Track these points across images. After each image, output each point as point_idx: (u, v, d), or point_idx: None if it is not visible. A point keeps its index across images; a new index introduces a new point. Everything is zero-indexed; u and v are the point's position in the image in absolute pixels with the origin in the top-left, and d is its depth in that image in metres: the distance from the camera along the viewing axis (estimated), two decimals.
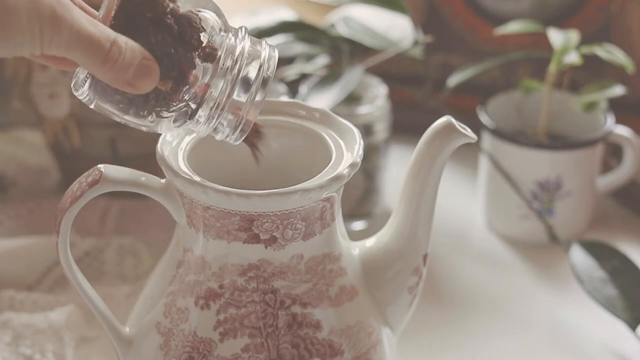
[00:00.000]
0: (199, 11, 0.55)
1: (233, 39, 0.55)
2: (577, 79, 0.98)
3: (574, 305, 0.84)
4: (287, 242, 0.58)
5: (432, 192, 0.62)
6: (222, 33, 0.55)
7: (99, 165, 0.58)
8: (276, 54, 0.56)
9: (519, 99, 0.93)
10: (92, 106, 0.55)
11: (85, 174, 0.58)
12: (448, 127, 0.61)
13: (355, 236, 0.67)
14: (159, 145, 0.59)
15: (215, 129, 0.56)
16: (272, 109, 0.64)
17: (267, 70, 0.56)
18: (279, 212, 0.57)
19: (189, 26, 0.54)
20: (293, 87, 0.92)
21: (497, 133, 0.89)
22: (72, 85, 0.55)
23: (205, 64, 0.55)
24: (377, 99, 0.90)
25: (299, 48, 0.94)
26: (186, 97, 0.55)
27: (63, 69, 0.56)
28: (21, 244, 0.82)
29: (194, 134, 0.61)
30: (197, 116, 0.55)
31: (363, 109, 0.89)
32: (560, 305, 0.84)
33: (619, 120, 0.92)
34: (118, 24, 0.53)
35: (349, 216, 0.90)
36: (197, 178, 0.57)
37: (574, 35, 0.89)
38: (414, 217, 0.63)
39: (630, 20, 0.98)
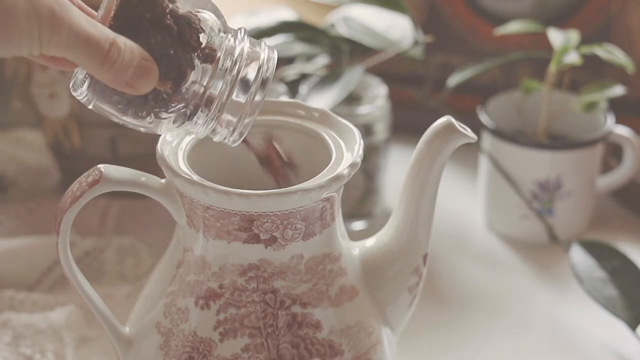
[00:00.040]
0: (198, 12, 0.55)
1: (232, 40, 0.55)
2: (577, 79, 0.98)
3: (574, 305, 0.84)
4: (287, 242, 0.58)
5: (432, 192, 0.62)
6: (221, 34, 0.55)
7: (99, 165, 0.58)
8: (275, 55, 0.56)
9: (519, 99, 0.93)
10: (90, 106, 0.55)
11: (85, 174, 0.58)
12: (448, 127, 0.61)
13: (355, 236, 0.67)
14: (159, 145, 0.59)
15: (213, 130, 0.56)
16: (272, 109, 0.65)
17: (266, 71, 0.56)
18: (279, 212, 0.57)
19: (189, 27, 0.54)
20: (293, 87, 0.92)
21: (497, 133, 0.89)
22: (70, 86, 0.55)
23: (205, 65, 0.54)
24: (377, 99, 0.90)
25: (299, 48, 0.94)
26: (185, 98, 0.55)
27: (62, 69, 0.56)
28: (21, 244, 0.82)
29: (194, 134, 0.61)
30: (195, 117, 0.55)
31: (363, 109, 0.89)
32: (560, 305, 0.84)
33: (619, 120, 0.92)
34: (117, 24, 0.53)
35: (349, 216, 0.90)
36: (197, 178, 0.57)
37: (574, 35, 0.89)
38: (414, 217, 0.63)
39: (630, 20, 0.98)
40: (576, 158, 0.88)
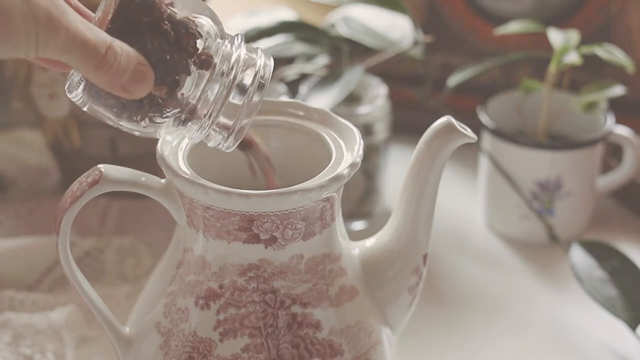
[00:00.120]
0: (195, 17, 0.55)
1: (229, 46, 0.55)
2: (577, 79, 0.98)
3: (574, 305, 0.84)
4: (287, 242, 0.58)
5: (432, 192, 0.62)
6: (218, 40, 0.55)
7: (99, 165, 0.58)
8: (271, 62, 0.56)
9: (519, 99, 0.93)
10: (85, 109, 0.55)
11: (85, 174, 0.58)
12: (448, 127, 0.61)
13: (355, 236, 0.67)
14: (159, 145, 0.59)
15: (208, 136, 0.56)
16: (272, 109, 0.65)
17: (262, 77, 0.56)
18: (279, 212, 0.57)
19: (186, 32, 0.54)
20: (293, 87, 0.92)
21: (497, 133, 0.89)
22: (66, 87, 0.55)
23: (201, 70, 0.54)
24: (377, 99, 0.90)
25: (299, 48, 0.94)
26: (180, 104, 0.55)
27: (59, 70, 0.56)
28: (21, 244, 0.82)
29: (188, 139, 0.61)
30: (190, 123, 0.55)
31: (363, 109, 0.89)
32: (560, 305, 0.84)
33: (619, 120, 0.92)
34: (115, 28, 0.53)
35: (349, 216, 0.90)
36: (197, 178, 0.57)
37: (574, 35, 0.89)
38: (414, 217, 0.63)
39: (630, 20, 0.98)
40: (576, 158, 0.88)
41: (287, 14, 1.05)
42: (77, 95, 0.54)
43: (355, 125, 0.63)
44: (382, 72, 0.98)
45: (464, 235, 0.93)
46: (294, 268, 0.59)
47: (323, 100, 0.85)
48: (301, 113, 0.65)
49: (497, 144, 0.89)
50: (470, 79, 0.92)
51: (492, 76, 1.02)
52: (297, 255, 0.59)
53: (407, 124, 0.98)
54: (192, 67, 0.54)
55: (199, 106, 0.55)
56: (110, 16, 0.53)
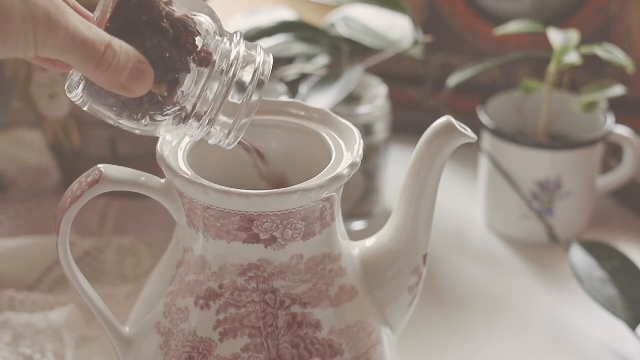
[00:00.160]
0: (194, 15, 0.55)
1: (228, 43, 0.55)
2: (577, 79, 0.98)
3: (574, 305, 0.84)
4: (287, 242, 0.58)
5: (432, 192, 0.62)
6: (217, 37, 0.55)
7: (99, 165, 0.58)
8: (271, 59, 0.56)
9: (519, 99, 0.93)
10: (85, 108, 0.55)
11: (85, 174, 0.58)
12: (448, 127, 0.61)
13: (355, 236, 0.67)
14: (159, 145, 0.59)
15: (209, 134, 0.56)
16: (272, 109, 0.65)
17: (262, 74, 0.56)
18: (279, 212, 0.57)
19: (185, 30, 0.54)
20: (293, 87, 0.92)
21: (497, 133, 0.89)
22: (66, 87, 0.55)
23: (200, 68, 0.54)
24: (377, 99, 0.90)
25: (299, 48, 0.94)
26: (180, 101, 0.55)
27: (58, 71, 0.56)
28: (21, 244, 0.82)
29: (189, 137, 0.61)
30: (191, 120, 0.55)
31: (363, 109, 0.89)
32: (560, 305, 0.84)
33: (619, 120, 0.92)
34: (113, 27, 0.53)
35: (349, 216, 0.90)
36: (197, 178, 0.57)
37: (574, 35, 0.89)
38: (414, 217, 0.63)
39: (630, 20, 0.98)
40: (576, 158, 0.88)
41: (287, 14, 1.05)
42: (77, 95, 0.54)
43: (355, 125, 0.63)
44: (382, 72, 0.98)
45: (464, 235, 0.93)
46: (294, 268, 0.59)
47: (323, 100, 0.85)
48: (301, 113, 0.65)
49: (497, 144, 0.89)
50: (470, 79, 0.92)
51: (492, 76, 1.02)
52: (297, 255, 0.59)
53: (407, 124, 0.98)
54: (192, 64, 0.54)
55: (199, 104, 0.55)
56: (109, 15, 0.53)
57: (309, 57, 0.96)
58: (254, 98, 0.55)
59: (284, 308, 0.59)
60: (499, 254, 0.90)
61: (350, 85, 0.87)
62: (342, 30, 0.97)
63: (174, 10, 0.54)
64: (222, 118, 0.56)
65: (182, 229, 0.61)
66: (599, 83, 0.91)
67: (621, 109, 0.96)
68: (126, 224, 0.88)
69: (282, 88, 0.89)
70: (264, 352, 0.59)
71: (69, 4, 0.53)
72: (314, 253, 0.59)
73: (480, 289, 0.86)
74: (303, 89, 0.89)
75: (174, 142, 0.61)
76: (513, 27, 0.92)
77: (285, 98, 0.85)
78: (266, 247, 0.58)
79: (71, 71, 0.55)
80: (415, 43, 0.94)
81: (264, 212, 0.56)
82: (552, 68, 0.89)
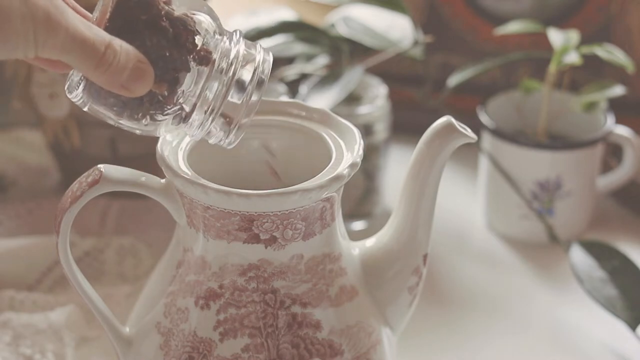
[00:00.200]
0: (193, 14, 0.55)
1: (228, 42, 0.55)
2: (577, 79, 0.98)
3: (574, 305, 0.84)
4: (287, 242, 0.58)
5: (432, 192, 0.62)
6: (216, 36, 0.55)
7: (99, 165, 0.58)
8: (271, 58, 0.56)
9: (519, 99, 0.93)
10: (85, 109, 0.55)
11: (85, 174, 0.58)
12: (448, 127, 0.61)
13: (355, 236, 0.67)
14: (159, 145, 0.59)
15: (209, 133, 0.56)
16: (272, 109, 0.64)
17: (262, 73, 0.56)
18: (279, 212, 0.57)
19: (184, 29, 0.54)
20: (293, 87, 0.92)
21: (497, 133, 0.89)
22: (66, 88, 0.55)
23: (200, 67, 0.54)
24: (377, 99, 0.90)
25: (299, 48, 0.94)
26: (180, 101, 0.55)
27: (58, 71, 0.56)
28: (21, 244, 0.82)
29: (189, 137, 0.61)
30: (191, 119, 0.55)
31: (363, 109, 0.89)
32: (560, 305, 0.84)
33: (619, 120, 0.92)
34: (113, 26, 0.53)
35: (349, 216, 0.90)
36: (197, 178, 0.57)
37: (574, 35, 0.89)
38: (414, 217, 0.63)
39: (630, 20, 0.98)
40: (576, 158, 0.88)
41: (287, 14, 1.05)
42: (77, 95, 0.54)
43: (355, 125, 0.63)
44: (382, 72, 0.98)
45: (464, 235, 0.93)
46: (294, 268, 0.59)
47: (323, 100, 0.85)
48: (301, 113, 0.65)
49: (497, 144, 0.89)
50: (470, 79, 0.92)
51: (492, 76, 1.02)
52: (297, 255, 0.59)
53: (407, 124, 0.98)
54: (192, 63, 0.54)
55: (199, 103, 0.55)
56: (108, 15, 0.53)
57: (309, 57, 0.96)
58: (254, 97, 0.55)
59: (284, 308, 0.59)
60: (499, 254, 0.90)
61: (350, 85, 0.87)
62: (342, 30, 0.97)
63: (173, 10, 0.54)
64: (222, 117, 0.55)
65: (182, 229, 0.61)
66: (599, 83, 0.91)
67: (621, 109, 0.96)
68: (126, 224, 0.88)
69: (282, 88, 0.89)
70: (264, 352, 0.59)
71: (67, 4, 0.53)
72: (314, 253, 0.59)
73: (480, 289, 0.86)
74: (303, 89, 0.89)
75: (174, 142, 0.61)
76: (513, 27, 0.92)
77: (285, 98, 0.85)
78: (266, 247, 0.58)
79: (71, 72, 0.55)
80: (415, 43, 0.94)
81: (264, 212, 0.56)
82: (552, 68, 0.89)
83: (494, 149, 0.90)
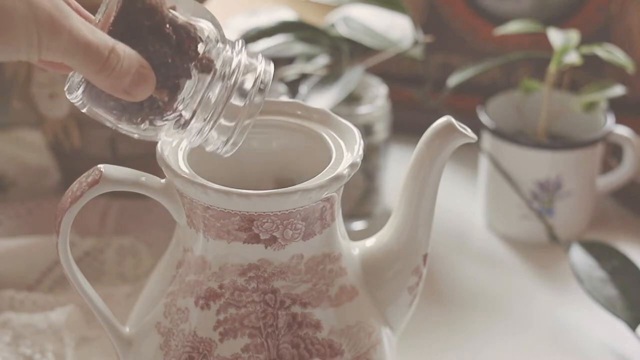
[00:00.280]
0: (196, 21, 0.55)
1: (230, 50, 0.55)
2: (577, 79, 0.98)
3: (574, 305, 0.84)
4: (287, 242, 0.58)
5: (432, 192, 0.62)
6: (219, 45, 0.55)
7: (99, 165, 0.58)
8: (272, 69, 0.56)
9: (519, 99, 0.93)
10: (84, 110, 0.55)
11: (85, 174, 0.58)
12: (448, 127, 0.61)
13: (355, 236, 0.67)
14: (159, 145, 0.59)
15: (206, 140, 0.56)
16: (272, 109, 0.65)
17: (262, 83, 0.56)
18: (279, 212, 0.57)
19: (187, 36, 0.54)
20: (293, 87, 0.92)
21: (497, 133, 0.89)
22: (65, 89, 0.55)
23: (202, 74, 0.54)
24: (377, 99, 0.90)
25: (299, 48, 0.94)
26: (180, 107, 0.55)
27: (59, 72, 0.56)
28: (21, 244, 0.82)
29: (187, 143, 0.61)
30: (189, 126, 0.55)
31: (363, 109, 0.89)
32: (560, 305, 0.84)
33: (619, 120, 0.92)
34: (116, 31, 0.53)
35: (349, 216, 0.90)
36: (197, 178, 0.57)
37: (574, 35, 0.89)
38: (414, 217, 0.63)
39: (630, 20, 0.98)
40: (576, 158, 0.88)
41: (287, 14, 1.05)
42: (76, 96, 0.54)
43: (355, 125, 0.63)
44: (382, 72, 0.98)
45: (464, 235, 0.93)
46: (294, 268, 0.59)
47: (323, 100, 0.85)
48: (301, 113, 0.65)
49: (497, 144, 0.89)
50: (470, 79, 0.92)
51: (492, 76, 1.02)
52: (297, 255, 0.59)
53: (407, 124, 0.98)
54: (193, 70, 0.54)
55: (199, 110, 0.55)
56: (112, 19, 0.53)
57: (309, 57, 0.96)
58: (254, 105, 0.55)
59: (284, 308, 0.59)
60: (499, 254, 0.90)
61: (350, 85, 0.87)
62: (342, 30, 0.97)
63: (176, 16, 0.54)
64: (221, 125, 0.56)
65: (182, 229, 0.61)
66: (599, 83, 0.91)
67: (621, 109, 0.96)
68: (126, 224, 0.88)
69: (282, 88, 0.89)
70: (264, 352, 0.59)
71: (71, 6, 0.53)
72: (314, 253, 0.59)
73: (480, 289, 0.86)
74: (303, 89, 0.89)
75: (174, 142, 0.61)
76: (513, 27, 0.92)
77: (285, 98, 0.85)
78: (266, 247, 0.58)
79: (71, 73, 0.55)
80: (415, 43, 0.94)
81: (264, 212, 0.56)
82: (552, 68, 0.89)
83: (494, 149, 0.90)
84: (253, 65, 0.56)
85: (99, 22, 0.54)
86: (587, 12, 0.99)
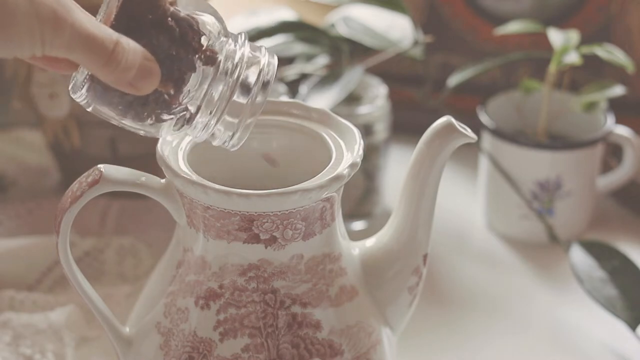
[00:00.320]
0: (199, 15, 0.55)
1: (233, 44, 0.55)
2: (577, 79, 0.98)
3: (574, 305, 0.84)
4: (287, 242, 0.58)
5: (432, 192, 0.62)
6: (222, 38, 0.55)
7: (99, 165, 0.58)
8: (275, 61, 0.56)
9: (519, 99, 0.93)
10: (89, 109, 0.55)
11: (85, 174, 0.58)
12: (448, 127, 0.61)
13: (355, 236, 0.67)
14: (159, 145, 0.59)
15: (212, 135, 0.56)
16: (272, 109, 0.64)
17: (267, 75, 0.56)
18: (279, 212, 0.57)
19: (190, 29, 0.54)
20: (293, 87, 0.92)
21: (497, 133, 0.89)
22: (69, 88, 0.55)
23: (206, 67, 0.54)
24: (377, 99, 0.90)
25: (299, 48, 0.94)
26: (185, 101, 0.55)
27: (61, 72, 0.56)
28: (21, 244, 0.82)
29: (193, 138, 0.61)
30: (195, 121, 0.55)
31: (363, 109, 0.89)
32: (560, 305, 0.84)
33: (619, 120, 0.92)
34: (119, 25, 0.53)
35: (349, 216, 0.90)
36: (197, 178, 0.57)
37: (574, 35, 0.89)
38: (414, 217, 0.63)
39: (630, 20, 0.98)
40: (576, 158, 0.88)
41: (287, 14, 1.05)
42: (81, 95, 0.54)
43: (355, 125, 0.63)
44: (382, 72, 0.98)
45: (464, 235, 0.93)
46: (294, 268, 0.59)
47: (323, 100, 0.85)
48: (301, 113, 0.65)
49: (497, 144, 0.89)
50: (470, 79, 0.92)
51: (492, 76, 1.02)
52: (297, 255, 0.59)
53: (407, 124, 0.98)
54: (198, 63, 0.54)
55: (203, 104, 0.55)
56: (114, 14, 0.53)
57: (309, 57, 0.96)
58: (259, 99, 0.55)
59: (284, 308, 0.59)
60: (499, 254, 0.90)
61: (350, 85, 0.87)
62: (342, 30, 0.97)
63: (178, 10, 0.54)
64: (226, 119, 0.55)
65: (182, 229, 0.61)
66: (599, 83, 0.91)
67: (621, 109, 0.96)
68: (126, 224, 0.88)
69: (282, 88, 0.89)
70: (264, 352, 0.59)
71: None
72: (314, 253, 0.59)
73: (480, 289, 0.86)
74: (303, 89, 0.89)
75: (174, 142, 0.61)
76: (513, 27, 0.92)
77: (285, 98, 0.85)
78: (266, 247, 0.58)
79: (74, 72, 0.55)
80: (415, 43, 0.94)
81: (264, 212, 0.56)
82: (552, 68, 0.89)
83: (494, 149, 0.90)
84: (257, 58, 0.56)
85: (100, 20, 0.54)
86: (587, 12, 0.99)
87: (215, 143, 0.57)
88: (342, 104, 0.88)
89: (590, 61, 0.93)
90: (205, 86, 0.54)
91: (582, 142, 0.88)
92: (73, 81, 0.55)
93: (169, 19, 0.53)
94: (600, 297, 0.79)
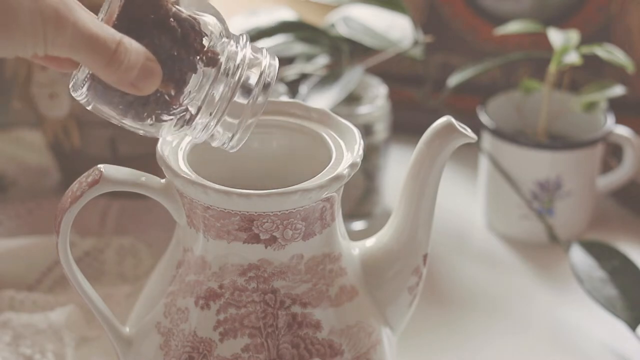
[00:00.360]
0: (200, 16, 0.55)
1: (234, 45, 0.55)
2: (577, 79, 0.98)
3: (574, 305, 0.84)
4: (287, 242, 0.58)
5: (432, 192, 0.62)
6: (223, 39, 0.55)
7: (99, 165, 0.58)
8: (276, 63, 0.56)
9: (519, 99, 0.93)
10: (89, 108, 0.55)
11: (85, 174, 0.58)
12: (448, 127, 0.61)
13: (355, 236, 0.67)
14: (159, 145, 0.59)
15: (212, 136, 0.56)
16: (272, 109, 0.65)
17: (268, 77, 0.56)
18: (279, 212, 0.57)
19: (192, 30, 0.54)
20: (293, 87, 0.92)
21: (497, 133, 0.89)
22: (70, 86, 0.55)
23: (207, 68, 0.54)
24: (377, 99, 0.90)
25: (299, 48, 0.94)
26: (186, 101, 0.55)
27: (62, 70, 0.56)
28: (21, 244, 0.82)
29: (192, 139, 0.61)
30: (195, 122, 0.55)
31: (363, 109, 0.89)
32: (560, 305, 0.84)
33: (619, 120, 0.92)
34: (121, 25, 0.53)
35: (349, 216, 0.90)
36: (197, 178, 0.57)
37: (574, 35, 0.89)
38: (414, 217, 0.63)
39: (630, 20, 0.98)
40: (576, 158, 0.88)
41: (287, 14, 1.05)
42: (81, 94, 0.54)
43: (355, 125, 0.63)
44: (382, 72, 0.98)
45: (464, 235, 0.93)
46: (294, 268, 0.59)
47: (323, 100, 0.85)
48: (301, 113, 0.65)
49: (497, 144, 0.89)
50: (470, 79, 0.92)
51: (492, 76, 1.02)
52: (297, 255, 0.59)
53: (407, 124, 0.98)
54: (199, 64, 0.54)
55: (204, 105, 0.55)
56: (116, 14, 0.53)
57: (309, 57, 0.96)
58: (259, 100, 0.55)
59: (284, 308, 0.59)
60: (499, 254, 0.90)
61: (350, 85, 0.87)
62: (342, 30, 0.97)
63: (180, 11, 0.54)
64: (227, 120, 0.55)
65: (182, 229, 0.61)
66: (599, 83, 0.91)
67: (621, 109, 0.96)
68: (126, 224, 0.88)
69: (282, 88, 0.89)
70: (264, 352, 0.59)
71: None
72: (314, 253, 0.59)
73: (480, 289, 0.86)
74: (303, 89, 0.89)
75: (174, 142, 0.61)
76: (513, 27, 0.92)
77: (285, 98, 0.85)
78: (266, 247, 0.58)
79: (75, 70, 0.55)
80: (415, 43, 0.94)
81: (264, 212, 0.56)
82: (552, 68, 0.89)
83: (494, 149, 0.90)
84: (258, 60, 0.56)
85: (102, 20, 0.54)
86: (587, 12, 0.99)
87: (214, 144, 0.57)
88: (342, 104, 0.88)
89: (590, 61, 0.93)
90: (206, 87, 0.54)
91: (582, 142, 0.88)
92: (74, 80, 0.55)
93: (171, 19, 0.53)
94: (600, 297, 0.79)
